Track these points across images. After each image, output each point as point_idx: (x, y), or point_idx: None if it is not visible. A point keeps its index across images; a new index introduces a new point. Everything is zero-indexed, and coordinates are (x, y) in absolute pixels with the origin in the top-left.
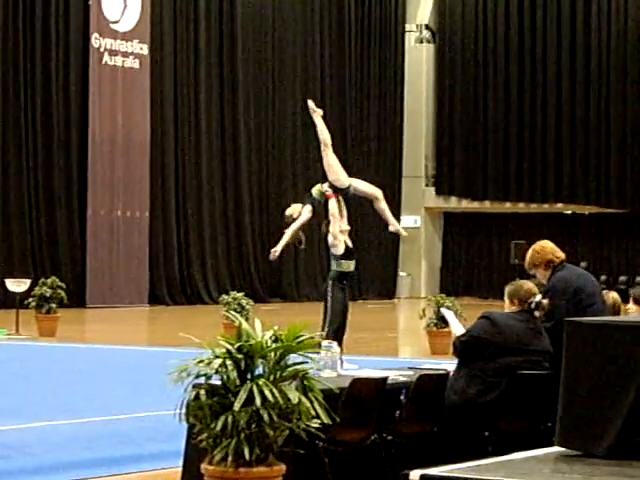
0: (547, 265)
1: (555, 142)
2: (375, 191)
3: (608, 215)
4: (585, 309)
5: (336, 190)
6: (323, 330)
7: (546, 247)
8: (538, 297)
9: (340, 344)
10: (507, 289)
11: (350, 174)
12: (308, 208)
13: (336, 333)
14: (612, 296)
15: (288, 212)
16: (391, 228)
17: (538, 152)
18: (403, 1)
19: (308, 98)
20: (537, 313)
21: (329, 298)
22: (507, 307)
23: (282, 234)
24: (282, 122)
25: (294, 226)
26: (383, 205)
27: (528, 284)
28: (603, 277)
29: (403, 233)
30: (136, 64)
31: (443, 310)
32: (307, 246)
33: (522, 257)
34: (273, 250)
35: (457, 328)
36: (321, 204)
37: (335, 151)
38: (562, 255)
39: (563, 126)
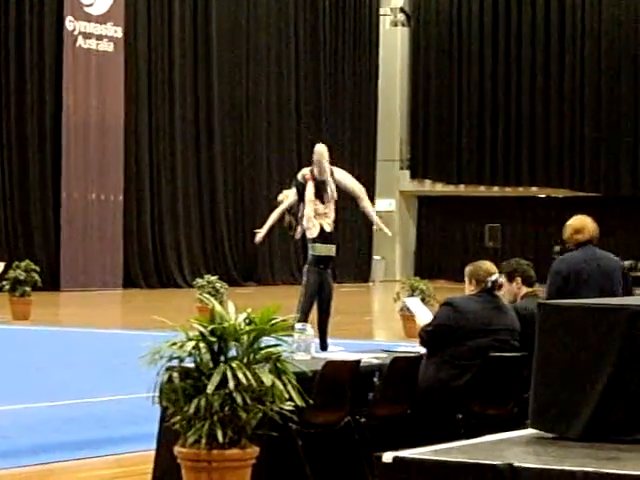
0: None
1: (529, 126)
2: (356, 190)
3: (582, 199)
4: (566, 297)
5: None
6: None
7: (570, 225)
8: (495, 276)
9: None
10: (466, 270)
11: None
12: (293, 191)
13: (306, 316)
14: None
15: (280, 197)
16: (375, 227)
17: (512, 136)
18: None
19: (282, 81)
20: (497, 292)
21: (303, 282)
22: (467, 287)
23: (255, 215)
24: (257, 104)
25: (278, 209)
26: (366, 204)
27: (486, 264)
28: None
29: (389, 233)
30: (110, 47)
31: (406, 300)
32: (281, 230)
33: (496, 240)
34: (257, 232)
35: (422, 317)
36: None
37: (310, 137)
38: (580, 237)
39: (537, 110)
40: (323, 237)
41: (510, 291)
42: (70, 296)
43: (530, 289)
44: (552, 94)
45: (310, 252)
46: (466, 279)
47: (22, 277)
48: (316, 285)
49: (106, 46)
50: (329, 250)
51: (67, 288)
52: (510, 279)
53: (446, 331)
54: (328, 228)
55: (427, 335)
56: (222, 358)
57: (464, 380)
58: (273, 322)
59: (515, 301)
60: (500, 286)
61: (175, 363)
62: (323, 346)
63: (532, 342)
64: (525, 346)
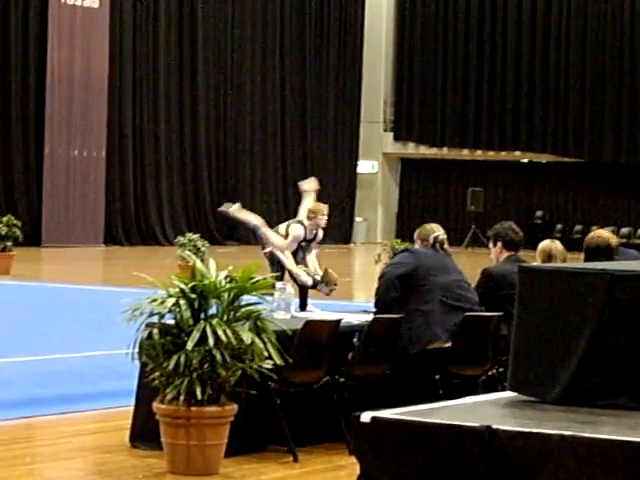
0: None
1: (514, 90)
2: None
3: (565, 164)
4: None
5: None
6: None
7: None
8: (437, 233)
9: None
10: (414, 234)
11: (309, 119)
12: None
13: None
14: (556, 246)
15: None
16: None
17: (497, 100)
18: None
19: (267, 39)
20: (439, 246)
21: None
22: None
23: (237, 175)
24: (241, 60)
25: None
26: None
27: (431, 224)
28: (559, 226)
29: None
30: (95, 3)
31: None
32: (264, 186)
33: (478, 204)
34: None
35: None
36: None
37: (294, 97)
38: None
39: (522, 75)
40: None
41: (495, 254)
42: (51, 252)
43: (510, 253)
44: (537, 59)
45: None
46: (415, 242)
47: (4, 232)
48: None
49: (91, 2)
50: None
51: (48, 244)
52: (494, 243)
53: (410, 270)
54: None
55: (391, 282)
56: (202, 315)
57: (434, 331)
58: (254, 280)
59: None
60: (442, 243)
61: (155, 319)
62: (302, 305)
63: (501, 303)
64: (494, 307)
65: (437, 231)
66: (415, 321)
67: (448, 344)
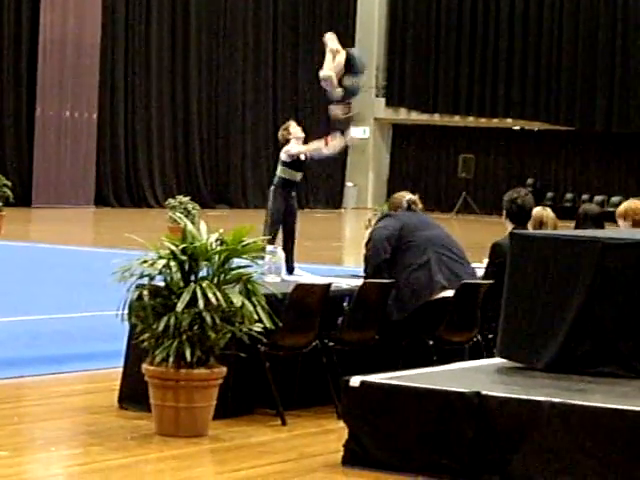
0: None
1: (506, 57)
2: None
3: (557, 132)
4: None
5: None
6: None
7: None
8: (407, 196)
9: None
10: (386, 208)
11: (301, 83)
12: None
13: (272, 240)
14: (547, 213)
15: None
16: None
17: (489, 66)
18: None
19: (261, 5)
20: (415, 207)
21: (268, 205)
22: None
23: (228, 138)
24: (234, 25)
25: None
26: None
27: (397, 193)
28: (550, 194)
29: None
30: None
31: None
32: (255, 150)
33: (469, 171)
34: None
35: None
36: None
37: (284, 62)
38: None
39: (515, 41)
40: (296, 163)
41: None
42: (41, 212)
43: (514, 226)
44: (530, 26)
45: (280, 174)
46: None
47: None
48: (280, 212)
49: None
50: (297, 177)
51: (39, 204)
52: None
53: (396, 231)
54: (302, 156)
55: (381, 244)
56: (192, 277)
57: (435, 279)
58: (244, 243)
59: None
60: (415, 203)
61: (145, 281)
62: (289, 268)
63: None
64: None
65: (406, 195)
66: (414, 274)
67: (450, 292)
